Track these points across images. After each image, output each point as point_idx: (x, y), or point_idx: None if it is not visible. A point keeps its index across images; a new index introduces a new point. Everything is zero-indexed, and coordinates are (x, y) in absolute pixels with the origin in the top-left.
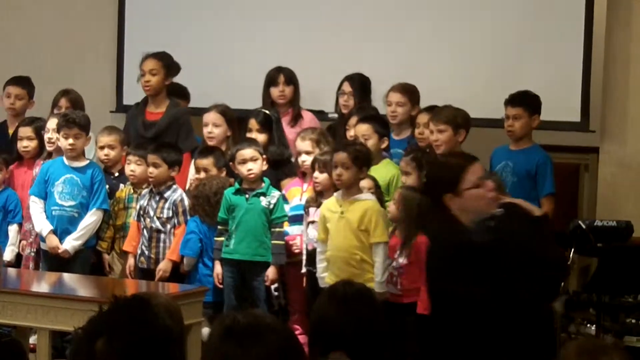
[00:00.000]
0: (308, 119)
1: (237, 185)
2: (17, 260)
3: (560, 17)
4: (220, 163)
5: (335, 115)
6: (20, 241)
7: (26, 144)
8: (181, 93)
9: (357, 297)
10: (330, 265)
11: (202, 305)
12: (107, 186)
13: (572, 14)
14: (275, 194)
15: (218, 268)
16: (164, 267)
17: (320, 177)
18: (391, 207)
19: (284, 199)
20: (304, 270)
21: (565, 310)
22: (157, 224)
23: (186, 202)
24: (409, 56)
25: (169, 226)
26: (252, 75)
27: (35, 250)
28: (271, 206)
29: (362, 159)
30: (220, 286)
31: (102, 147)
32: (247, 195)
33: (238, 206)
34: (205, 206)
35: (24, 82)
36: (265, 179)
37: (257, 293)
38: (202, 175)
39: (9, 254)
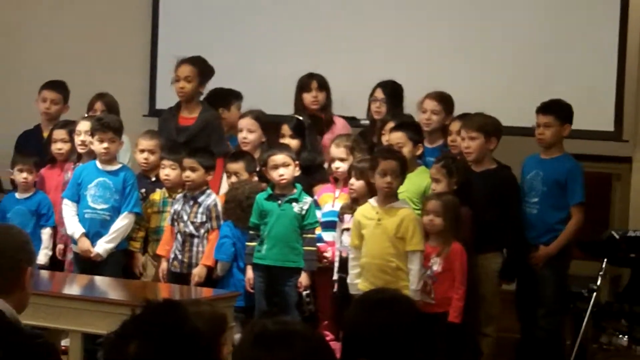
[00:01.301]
0: (340, 125)
1: (269, 191)
2: (52, 264)
3: (594, 25)
4: (251, 168)
5: (367, 122)
6: (56, 245)
7: (60, 147)
8: (237, 96)
9: (388, 303)
10: (365, 272)
11: (234, 310)
12: (144, 190)
13: (606, 22)
14: (308, 199)
15: (250, 273)
16: (198, 272)
17: (356, 184)
18: (434, 219)
19: (316, 205)
20: (335, 277)
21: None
22: (191, 229)
23: (219, 207)
24: (439, 64)
25: (202, 231)
26: (282, 81)
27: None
28: (303, 212)
29: (405, 167)
30: (252, 291)
31: (142, 151)
32: (279, 201)
33: (270, 212)
34: (237, 210)
35: (59, 87)
36: (297, 184)
37: (287, 298)
38: (234, 179)
39: (42, 257)
